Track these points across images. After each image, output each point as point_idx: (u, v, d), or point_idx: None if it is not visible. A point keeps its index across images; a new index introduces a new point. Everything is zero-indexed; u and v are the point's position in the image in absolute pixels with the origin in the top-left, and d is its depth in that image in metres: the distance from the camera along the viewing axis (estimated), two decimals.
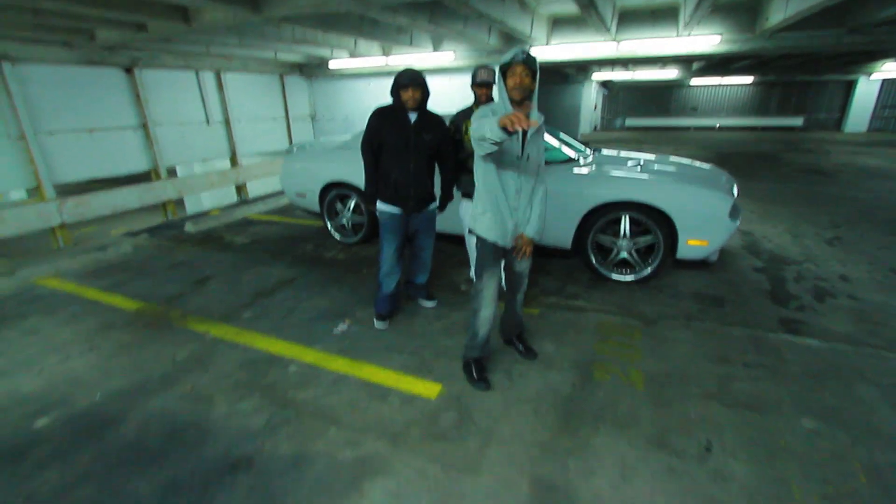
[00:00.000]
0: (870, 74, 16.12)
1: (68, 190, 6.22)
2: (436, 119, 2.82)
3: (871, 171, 8.93)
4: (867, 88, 17.17)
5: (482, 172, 2.13)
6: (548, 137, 4.39)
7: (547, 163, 3.87)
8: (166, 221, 6.39)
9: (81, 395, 2.48)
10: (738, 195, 3.70)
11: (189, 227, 5.81)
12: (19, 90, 4.80)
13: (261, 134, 8.06)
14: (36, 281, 4.20)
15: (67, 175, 5.40)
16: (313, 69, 8.26)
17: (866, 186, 7.47)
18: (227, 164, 7.66)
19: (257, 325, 3.17)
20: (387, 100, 2.78)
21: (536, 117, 2.05)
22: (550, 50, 6.34)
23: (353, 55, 7.23)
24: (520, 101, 2.03)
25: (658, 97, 21.25)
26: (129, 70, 5.85)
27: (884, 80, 16.96)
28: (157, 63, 6.13)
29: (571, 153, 4.28)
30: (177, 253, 4.91)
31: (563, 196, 3.68)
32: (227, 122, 7.40)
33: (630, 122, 21.81)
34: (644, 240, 3.58)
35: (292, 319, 3.25)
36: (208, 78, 7.02)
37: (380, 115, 2.72)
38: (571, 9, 5.08)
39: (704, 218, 3.38)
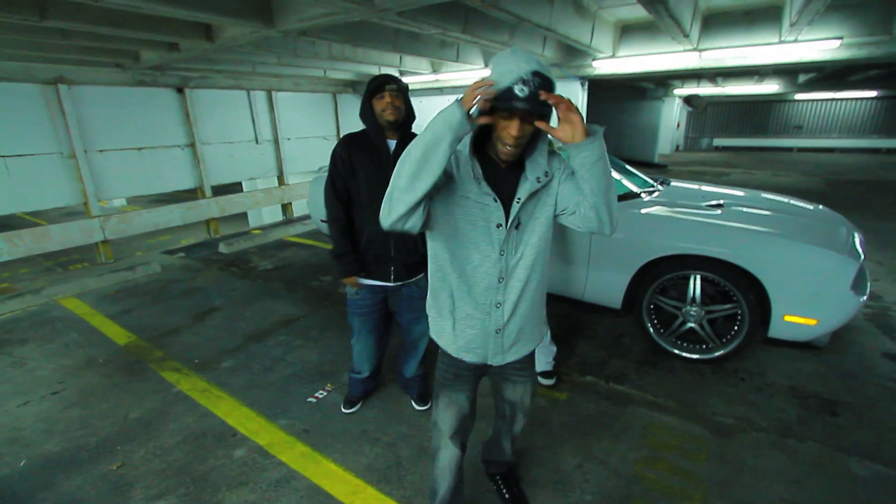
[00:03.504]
0: None
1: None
2: None
3: None
4: None
5: (430, 247, 1.35)
6: None
7: None
8: (208, 239, 6.42)
9: (9, 457, 2.18)
10: (864, 255, 2.67)
11: (222, 248, 5.72)
12: (73, 110, 4.99)
13: (310, 152, 7.98)
14: (58, 300, 4.20)
15: (114, 192, 5.56)
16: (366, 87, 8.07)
17: None
18: (274, 182, 7.65)
19: (230, 381, 2.75)
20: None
21: (540, 169, 1.22)
22: (617, 63, 5.49)
23: (401, 72, 6.91)
24: (514, 146, 1.15)
25: (753, 114, 18.86)
26: (180, 90, 5.96)
27: None
28: (208, 83, 6.21)
29: (632, 186, 3.48)
30: (199, 277, 4.75)
31: (614, 242, 2.90)
32: (276, 141, 7.38)
33: (719, 141, 19.57)
34: (721, 308, 2.69)
35: (270, 376, 2.79)
36: (259, 97, 7.05)
37: (348, 143, 1.99)
38: (644, 12, 4.28)
39: (813, 287, 2.42)
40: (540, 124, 1.11)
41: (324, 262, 5.13)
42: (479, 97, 1.03)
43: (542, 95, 1.03)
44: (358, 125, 2.04)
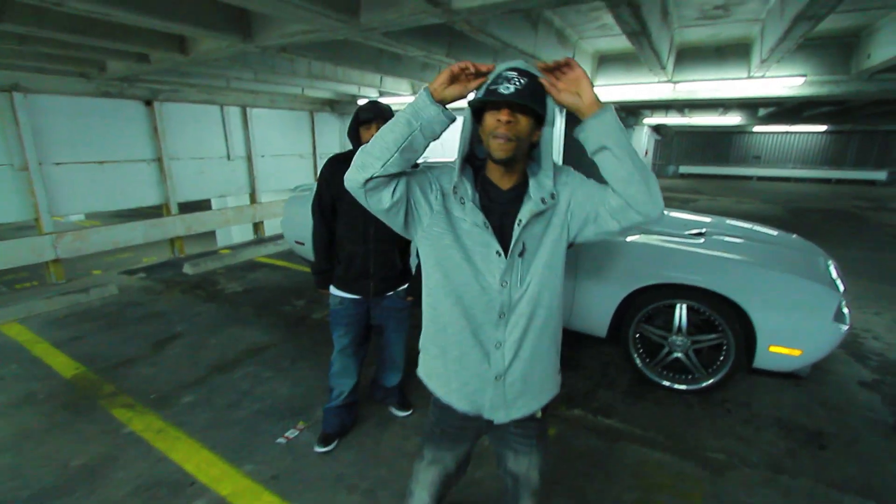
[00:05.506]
0: None
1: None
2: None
3: None
4: None
5: (424, 274, 1.21)
6: None
7: None
8: (172, 259, 6.07)
9: None
10: (845, 286, 2.72)
11: (187, 269, 5.40)
12: (28, 120, 4.68)
13: (285, 171, 7.79)
14: None
15: (71, 208, 5.22)
16: (345, 106, 8.00)
17: None
18: (246, 200, 7.39)
19: (190, 419, 2.50)
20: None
21: (545, 190, 1.10)
22: (595, 91, 5.64)
23: (381, 93, 6.88)
24: (506, 162, 1.08)
25: (716, 144, 19.86)
26: (148, 103, 5.71)
27: None
28: (179, 97, 5.99)
29: None
30: (160, 300, 4.44)
31: (599, 271, 2.85)
32: (249, 158, 7.16)
33: (684, 169, 20.44)
34: (707, 338, 2.66)
35: (236, 413, 2.56)
36: (233, 112, 6.85)
37: (334, 164, 2.03)
38: (621, 44, 4.39)
39: (797, 318, 2.43)
40: (543, 81, 1.06)
41: (297, 284, 4.91)
42: (457, 73, 1.04)
43: (539, 65, 1.04)
44: (333, 143, 2.07)
